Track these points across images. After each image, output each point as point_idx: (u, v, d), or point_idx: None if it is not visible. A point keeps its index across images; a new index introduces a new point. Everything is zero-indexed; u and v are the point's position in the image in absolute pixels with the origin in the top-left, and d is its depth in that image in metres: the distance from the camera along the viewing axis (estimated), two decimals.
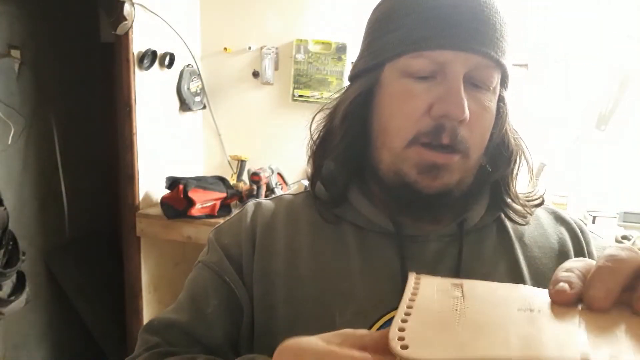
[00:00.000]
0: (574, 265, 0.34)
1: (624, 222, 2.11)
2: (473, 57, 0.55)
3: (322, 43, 2.46)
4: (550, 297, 0.32)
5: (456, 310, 0.30)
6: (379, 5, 0.63)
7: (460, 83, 0.55)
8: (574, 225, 0.67)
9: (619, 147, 2.19)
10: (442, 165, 0.56)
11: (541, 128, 2.16)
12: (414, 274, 0.34)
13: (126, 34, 2.14)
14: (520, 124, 0.67)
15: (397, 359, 0.28)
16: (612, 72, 2.14)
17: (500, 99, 0.61)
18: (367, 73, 0.62)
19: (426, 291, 0.33)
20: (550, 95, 2.22)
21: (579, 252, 0.63)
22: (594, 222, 2.02)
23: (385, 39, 0.59)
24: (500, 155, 0.63)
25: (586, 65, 2.16)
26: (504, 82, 0.61)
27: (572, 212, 1.86)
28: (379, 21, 0.61)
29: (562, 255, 0.63)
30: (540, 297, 0.33)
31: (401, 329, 0.29)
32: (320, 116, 0.67)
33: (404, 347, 0.28)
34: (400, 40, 0.57)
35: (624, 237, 1.98)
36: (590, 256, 0.63)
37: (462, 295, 0.31)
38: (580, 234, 0.65)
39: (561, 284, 0.32)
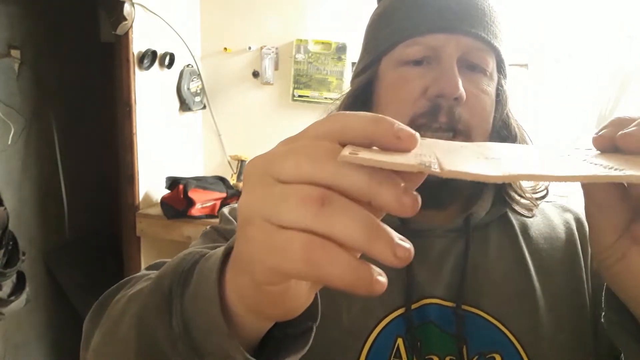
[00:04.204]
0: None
1: None
2: (464, 39, 0.57)
3: (322, 43, 2.46)
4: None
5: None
6: (374, 10, 0.66)
7: (453, 63, 0.56)
8: (580, 215, 0.66)
9: None
10: None
11: (541, 128, 2.16)
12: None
13: (126, 34, 2.14)
14: (521, 123, 0.67)
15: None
16: (612, 72, 2.14)
17: (499, 85, 0.61)
18: (365, 71, 0.63)
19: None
20: (550, 95, 2.22)
21: (584, 238, 0.63)
22: None
23: (379, 36, 0.62)
24: (505, 141, 0.62)
25: (586, 65, 2.16)
26: (500, 69, 0.62)
27: None
28: (373, 23, 0.64)
29: (569, 244, 0.62)
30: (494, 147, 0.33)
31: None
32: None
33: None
34: (393, 32, 0.59)
35: None
36: None
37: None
38: (584, 221, 0.65)
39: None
